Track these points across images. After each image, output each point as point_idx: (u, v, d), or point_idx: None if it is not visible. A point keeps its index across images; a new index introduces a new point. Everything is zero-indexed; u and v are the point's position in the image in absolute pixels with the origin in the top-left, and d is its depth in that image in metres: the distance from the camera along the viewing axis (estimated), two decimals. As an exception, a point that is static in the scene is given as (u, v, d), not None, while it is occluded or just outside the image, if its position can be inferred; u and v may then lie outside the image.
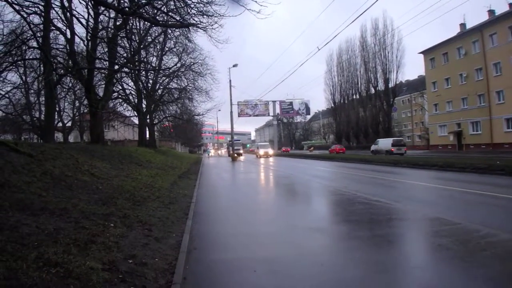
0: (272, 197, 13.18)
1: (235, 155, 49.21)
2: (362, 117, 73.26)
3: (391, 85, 66.82)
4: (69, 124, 39.00)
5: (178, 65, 30.40)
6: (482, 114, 42.33)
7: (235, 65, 46.42)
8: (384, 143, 42.10)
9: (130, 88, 30.99)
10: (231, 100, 48.16)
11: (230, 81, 46.99)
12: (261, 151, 53.04)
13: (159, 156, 26.17)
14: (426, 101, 56.42)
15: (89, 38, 19.35)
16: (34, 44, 19.15)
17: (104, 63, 22.83)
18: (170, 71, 29.14)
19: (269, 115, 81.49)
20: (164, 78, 32.84)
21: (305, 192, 13.94)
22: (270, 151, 53.63)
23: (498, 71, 40.51)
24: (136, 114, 33.25)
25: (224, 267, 5.16)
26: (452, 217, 7.53)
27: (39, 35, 18.14)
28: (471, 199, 10.59)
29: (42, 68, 22.74)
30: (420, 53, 52.92)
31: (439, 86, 49.83)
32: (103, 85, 24.28)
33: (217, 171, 28.36)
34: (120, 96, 29.85)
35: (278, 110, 79.04)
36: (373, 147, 44.34)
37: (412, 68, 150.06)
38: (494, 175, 15.86)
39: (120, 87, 29.46)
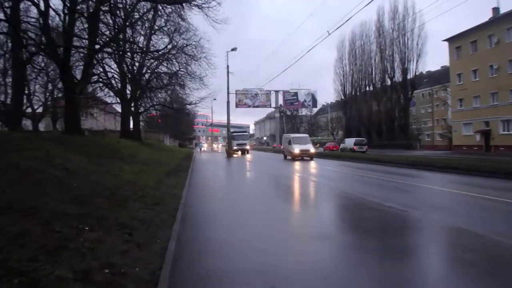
0: (272, 199, 13.11)
1: (235, 151, 48.62)
2: (376, 111, 73.26)
3: (409, 76, 66.86)
4: (40, 110, 38.71)
5: (169, 46, 30.22)
6: (515, 111, 42.17)
7: (234, 49, 46.31)
8: (349, 142, 56.22)
9: (113, 71, 30.93)
10: (228, 88, 48.23)
11: (227, 66, 46.99)
12: (297, 149, 35.33)
13: (144, 150, 26.09)
14: (450, 96, 56.39)
15: (66, 12, 19.16)
16: (1, 16, 18.94)
17: (83, 41, 22.68)
18: (160, 53, 28.96)
19: (270, 107, 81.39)
20: (152, 61, 32.74)
21: (308, 194, 13.89)
22: (312, 149, 35.93)
23: (534, 64, 40.24)
24: (119, 101, 33.20)
25: (215, 279, 5.08)
26: (477, 228, 7.46)
27: (7, 5, 17.92)
28: (499, 208, 10.52)
29: (9, 44, 22.58)
30: (445, 40, 52.77)
31: (465, 78, 49.69)
32: (82, 67, 24.14)
33: (210, 167, 28.32)
34: (101, 79, 29.72)
35: (281, 101, 78.95)
36: (341, 145, 59.18)
37: (434, 57, 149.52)
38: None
39: (101, 70, 29.36)
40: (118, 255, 5.36)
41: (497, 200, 11.55)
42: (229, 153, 45.73)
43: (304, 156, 35.13)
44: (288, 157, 37.17)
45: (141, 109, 39.18)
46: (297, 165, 28.11)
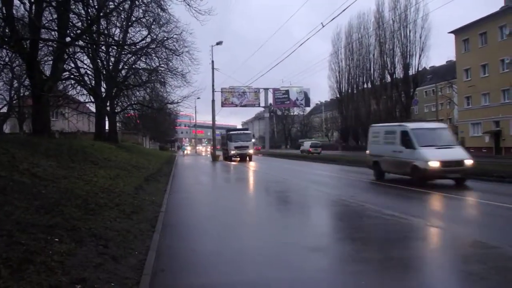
0: (261, 206, 13.14)
1: (231, 156, 43.80)
2: (375, 110, 73.60)
3: (411, 72, 67.14)
4: (4, 109, 38.33)
5: (148, 39, 30.05)
6: (529, 110, 42.45)
7: (219, 43, 46.28)
8: (306, 145, 66.13)
9: (85, 66, 30.67)
10: (213, 85, 48.12)
11: (212, 62, 46.86)
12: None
13: (121, 153, 25.93)
14: (456, 93, 56.77)
15: (32, 1, 19.00)
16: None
17: (53, 33, 22.49)
18: (138, 46, 28.77)
19: (259, 106, 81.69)
20: (129, 55, 32.48)
21: (301, 201, 13.91)
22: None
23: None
24: (92, 100, 32.88)
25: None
26: (487, 239, 7.51)
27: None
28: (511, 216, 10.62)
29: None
30: (451, 32, 53.01)
31: (473, 74, 49.98)
32: (51, 62, 23.91)
33: (193, 173, 28.26)
34: (72, 76, 29.50)
35: (271, 100, 79.28)
36: (301, 147, 67.66)
37: (439, 51, 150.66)
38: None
39: (73, 65, 29.11)
40: (91, 269, 5.29)
41: (510, 208, 11.63)
42: (214, 156, 45.65)
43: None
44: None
45: (118, 109, 38.90)
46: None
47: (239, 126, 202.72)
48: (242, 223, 9.85)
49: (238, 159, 43.64)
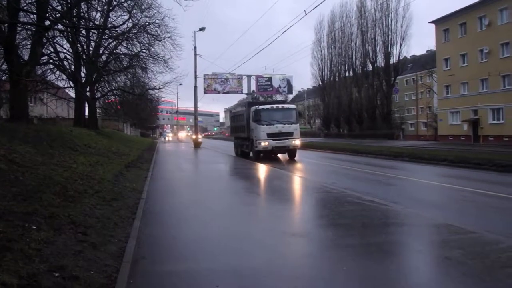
0: (243, 192, 13.13)
1: (260, 151, 25.45)
2: (356, 98, 74.14)
3: (392, 60, 67.72)
4: (-19, 95, 37.56)
5: (129, 24, 29.63)
6: (506, 99, 42.89)
7: (202, 29, 45.92)
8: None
9: (65, 51, 30.04)
10: (195, 72, 47.81)
11: (195, 48, 46.52)
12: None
13: (101, 140, 25.68)
14: (436, 82, 57.43)
15: (11, -17, 18.56)
16: None
17: (32, 16, 21.99)
18: (119, 31, 28.36)
19: (242, 93, 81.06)
20: (110, 40, 31.99)
21: (284, 188, 13.94)
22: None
23: (529, 47, 41.01)
24: (72, 85, 32.37)
25: (179, 281, 5.06)
26: (464, 224, 7.64)
27: None
28: (488, 202, 10.85)
29: None
30: (432, 22, 53.55)
31: (453, 63, 50.58)
32: (29, 46, 23.46)
33: (174, 159, 28.14)
34: (51, 61, 28.94)
35: (253, 87, 78.71)
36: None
37: (420, 41, 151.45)
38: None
39: (52, 50, 28.54)
40: (70, 256, 5.24)
41: (486, 194, 11.86)
42: (196, 143, 45.45)
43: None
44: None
45: (98, 95, 38.35)
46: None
47: (222, 113, 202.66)
48: (224, 210, 9.83)
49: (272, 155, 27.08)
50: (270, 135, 25.28)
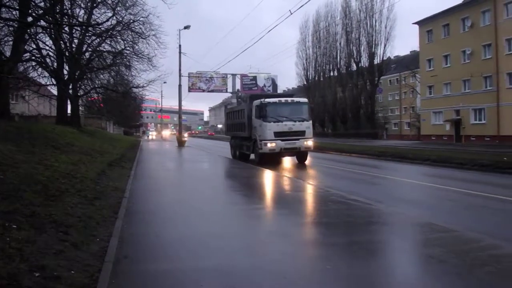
0: (227, 192, 13.11)
1: (268, 154, 21.62)
2: (341, 98, 74.57)
3: (377, 61, 68.26)
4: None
5: (113, 21, 29.43)
6: (488, 100, 43.61)
7: (187, 27, 45.71)
8: None
9: (47, 48, 29.75)
10: (180, 70, 47.49)
11: (179, 46, 46.26)
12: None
13: (84, 138, 25.47)
14: (419, 82, 58.02)
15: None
16: None
17: (14, 12, 21.69)
18: (102, 28, 28.15)
19: (227, 91, 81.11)
20: (94, 37, 31.72)
21: (267, 187, 13.96)
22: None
23: (511, 48, 41.67)
24: (54, 83, 32.05)
25: (162, 280, 5.01)
26: (446, 223, 7.73)
27: None
28: (470, 201, 10.99)
29: None
30: (415, 23, 54.12)
31: (436, 64, 51.17)
32: (11, 42, 23.16)
33: (158, 158, 27.99)
34: (34, 57, 28.61)
35: (238, 86, 78.75)
36: None
37: (404, 41, 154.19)
38: (500, 174, 16.54)
39: (35, 46, 28.21)
40: (51, 256, 5.19)
41: (468, 193, 12.02)
42: (180, 142, 45.24)
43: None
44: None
45: (81, 92, 37.99)
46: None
47: (206, 112, 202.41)
48: (208, 209, 9.79)
49: (277, 156, 23.07)
50: (278, 134, 21.27)
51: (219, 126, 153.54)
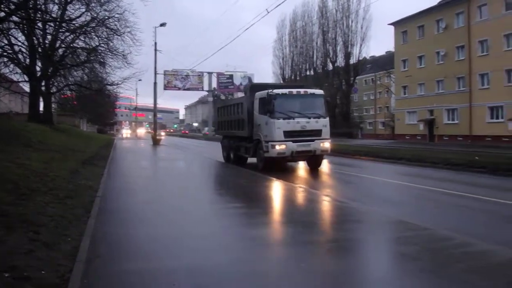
0: (202, 190, 13.08)
1: (275, 158, 17.40)
2: (317, 97, 74.75)
3: (352, 61, 68.90)
4: None
5: (87, 18, 29.06)
6: (461, 100, 44.59)
7: (162, 24, 45.42)
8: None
9: (20, 44, 29.19)
10: (155, 68, 47.17)
11: (155, 43, 45.99)
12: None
13: (57, 136, 25.12)
14: (394, 82, 58.85)
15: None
16: None
17: (-16, 8, 21.24)
18: (76, 25, 27.78)
19: (203, 90, 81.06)
20: (67, 34, 31.29)
21: (243, 186, 13.96)
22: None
23: (484, 50, 42.60)
24: (27, 79, 31.49)
25: (135, 280, 4.98)
26: (419, 221, 7.86)
27: None
28: (443, 200, 11.21)
29: None
30: (391, 24, 54.87)
31: (410, 65, 52.00)
32: (-18, 38, 22.69)
33: (132, 157, 27.75)
34: (5, 53, 28.05)
35: (215, 84, 78.79)
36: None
37: (379, 42, 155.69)
38: (472, 173, 16.89)
39: (7, 42, 27.67)
40: (21, 256, 5.11)
41: (441, 191, 12.26)
42: (155, 140, 44.89)
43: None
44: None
45: (54, 89, 37.48)
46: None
47: (182, 110, 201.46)
48: (182, 208, 9.76)
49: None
50: (289, 134, 17.23)
51: (195, 124, 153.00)
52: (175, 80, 74.85)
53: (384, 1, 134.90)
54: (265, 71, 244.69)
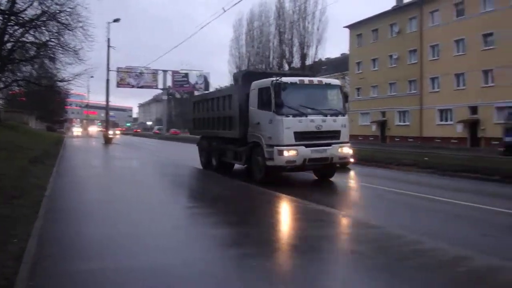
0: (156, 190, 12.93)
1: (111, 137, 35.18)
2: (273, 98, 75.15)
3: (308, 62, 69.47)
4: None
5: (38, 11, 28.17)
6: (412, 103, 46.28)
7: (116, 20, 44.60)
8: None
9: (-35, 37, 28.11)
10: (108, 64, 46.26)
11: (108, 39, 45.06)
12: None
13: (3, 133, 24.26)
14: (348, 84, 60.00)
15: None
16: None
17: None
18: (26, 18, 26.92)
19: (157, 88, 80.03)
20: (17, 27, 30.29)
21: (205, 188, 13.94)
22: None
23: (435, 55, 44.39)
24: (-28, 74, 30.32)
25: (86, 281, 4.87)
26: (371, 219, 8.11)
27: None
28: (394, 199, 11.56)
29: None
30: (346, 27, 56.04)
31: (364, 67, 53.37)
32: None
33: (82, 155, 27.15)
34: (-51, 46, 26.94)
35: (169, 82, 77.92)
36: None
37: (335, 44, 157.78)
38: (421, 173, 17.48)
39: (-49, 34, 26.57)
40: (-37, 258, 4.91)
41: (392, 191, 12.64)
42: (107, 139, 43.95)
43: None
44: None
45: (1, 85, 36.18)
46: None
47: (136, 108, 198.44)
48: (133, 206, 9.60)
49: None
50: (301, 137, 13.17)
51: (149, 123, 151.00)
52: (129, 77, 73.56)
53: (341, 4, 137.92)
54: (222, 70, 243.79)
